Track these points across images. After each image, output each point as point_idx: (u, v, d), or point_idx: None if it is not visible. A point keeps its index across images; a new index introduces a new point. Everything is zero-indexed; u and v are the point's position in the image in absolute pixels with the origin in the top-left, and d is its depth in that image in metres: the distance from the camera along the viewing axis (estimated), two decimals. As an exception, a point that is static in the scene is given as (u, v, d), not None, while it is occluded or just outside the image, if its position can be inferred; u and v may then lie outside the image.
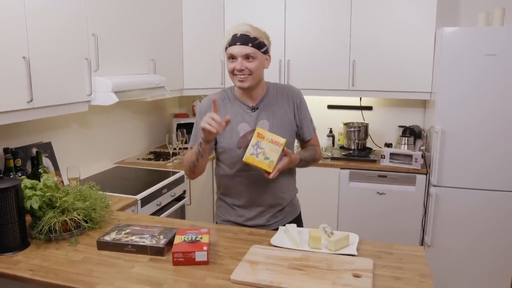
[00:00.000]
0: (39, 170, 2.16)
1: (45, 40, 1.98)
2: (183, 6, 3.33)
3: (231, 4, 3.46)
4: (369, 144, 3.52)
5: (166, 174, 2.76)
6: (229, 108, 1.75)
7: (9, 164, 2.05)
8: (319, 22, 3.29)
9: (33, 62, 1.91)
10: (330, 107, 3.72)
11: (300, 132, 1.83)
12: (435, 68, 3.00)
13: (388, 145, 3.35)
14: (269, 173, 1.57)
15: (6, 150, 2.06)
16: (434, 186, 2.90)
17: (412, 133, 3.31)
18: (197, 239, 1.48)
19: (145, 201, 2.40)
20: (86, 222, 1.69)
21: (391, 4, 3.11)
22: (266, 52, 1.68)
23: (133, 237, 1.55)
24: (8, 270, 1.42)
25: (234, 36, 1.62)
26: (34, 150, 2.27)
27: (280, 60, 3.38)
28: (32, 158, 2.26)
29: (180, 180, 2.82)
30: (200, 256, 1.41)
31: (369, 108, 3.62)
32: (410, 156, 3.03)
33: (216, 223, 1.90)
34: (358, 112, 3.64)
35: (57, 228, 1.58)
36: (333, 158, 3.27)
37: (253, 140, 1.58)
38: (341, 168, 3.17)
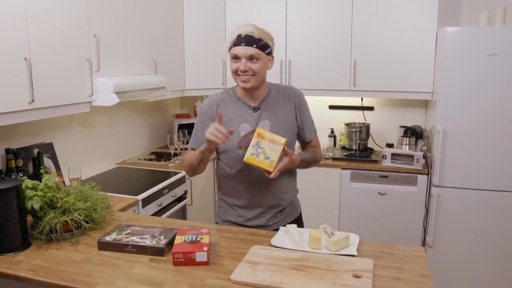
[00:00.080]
0: (41, 170, 2.16)
1: (46, 41, 1.99)
2: (184, 6, 3.33)
3: (232, 4, 3.46)
4: (370, 144, 3.51)
5: (168, 175, 2.76)
6: (231, 108, 1.75)
7: (10, 165, 2.06)
8: (320, 22, 3.29)
9: (34, 63, 1.92)
10: (332, 107, 3.71)
11: (301, 134, 1.83)
12: (436, 68, 2.99)
13: (390, 146, 3.35)
14: (270, 172, 1.57)
15: (7, 151, 2.07)
16: (436, 186, 2.90)
17: (413, 133, 3.30)
18: (198, 239, 1.48)
19: (146, 202, 2.40)
20: (87, 222, 1.69)
21: (392, 4, 3.10)
22: (270, 54, 1.69)
23: (134, 238, 1.56)
24: (9, 270, 1.42)
25: (239, 36, 1.62)
26: (36, 151, 2.27)
27: (281, 60, 3.38)
28: (34, 159, 2.26)
29: (181, 181, 2.82)
30: (200, 256, 1.42)
31: (371, 108, 3.62)
32: (412, 156, 3.02)
33: (217, 223, 1.90)
34: (360, 112, 3.63)
35: (58, 229, 1.59)
36: (334, 159, 3.26)
37: (253, 140, 1.58)
38: (342, 169, 3.17)
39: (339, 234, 1.56)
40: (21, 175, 2.08)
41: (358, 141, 3.40)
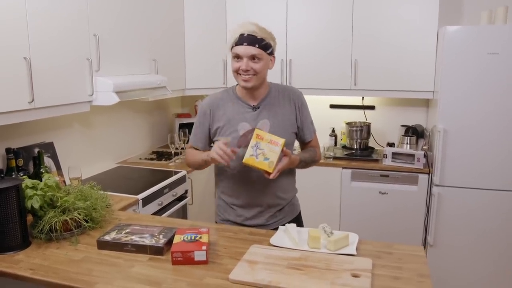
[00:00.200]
0: (41, 170, 2.17)
1: (46, 41, 1.99)
2: (185, 6, 3.33)
3: (233, 4, 3.45)
4: (371, 143, 3.51)
5: (168, 174, 2.77)
6: (230, 106, 1.75)
7: (11, 164, 2.07)
8: (321, 21, 3.28)
9: (34, 62, 1.92)
10: (333, 106, 3.71)
11: (301, 134, 1.83)
12: (437, 67, 2.98)
13: (391, 145, 3.34)
14: (269, 173, 1.57)
15: (8, 150, 2.07)
16: (437, 185, 2.89)
17: (414, 132, 3.30)
18: (196, 238, 1.48)
19: (146, 201, 2.41)
20: (87, 221, 1.70)
21: (393, 3, 3.09)
22: (271, 54, 1.70)
23: (133, 237, 1.56)
24: (9, 269, 1.43)
25: (241, 35, 1.62)
26: (36, 150, 2.28)
27: (282, 60, 3.38)
28: (34, 158, 2.27)
29: (182, 180, 2.83)
30: (199, 255, 1.42)
31: (372, 107, 3.61)
32: (413, 155, 3.02)
33: (216, 222, 1.90)
34: (361, 111, 3.63)
35: (57, 228, 1.59)
36: (335, 158, 3.26)
37: (252, 142, 1.59)
38: (343, 168, 3.17)
39: (338, 233, 1.56)
40: (22, 175, 2.09)
41: (359, 140, 3.40)
